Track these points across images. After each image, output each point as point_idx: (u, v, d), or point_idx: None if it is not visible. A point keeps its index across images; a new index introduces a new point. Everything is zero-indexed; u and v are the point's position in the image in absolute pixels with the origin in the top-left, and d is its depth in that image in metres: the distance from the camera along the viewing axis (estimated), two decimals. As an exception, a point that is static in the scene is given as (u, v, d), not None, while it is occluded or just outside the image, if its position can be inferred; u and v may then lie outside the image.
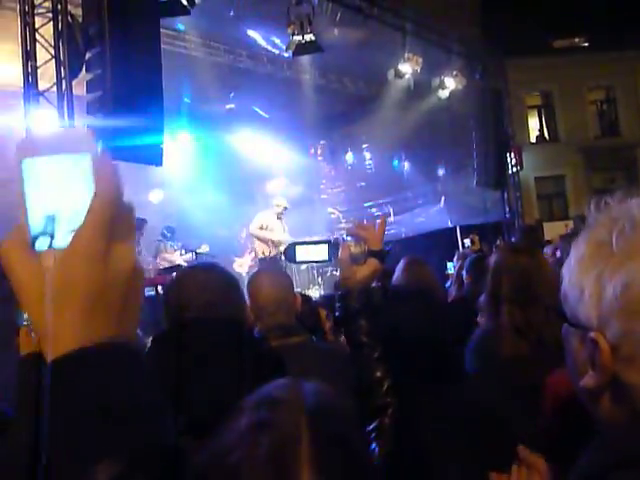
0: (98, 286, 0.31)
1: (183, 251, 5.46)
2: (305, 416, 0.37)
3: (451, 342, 1.15)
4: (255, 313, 1.26)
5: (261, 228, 5.28)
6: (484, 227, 6.31)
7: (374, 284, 0.98)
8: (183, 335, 0.87)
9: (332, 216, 7.16)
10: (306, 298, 1.97)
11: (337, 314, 0.95)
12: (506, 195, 7.43)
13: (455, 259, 3.24)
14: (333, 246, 0.95)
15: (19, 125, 3.18)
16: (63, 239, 0.30)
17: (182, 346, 0.85)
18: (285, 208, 5.34)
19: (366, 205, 8.43)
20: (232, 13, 4.59)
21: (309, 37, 4.45)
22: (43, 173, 0.29)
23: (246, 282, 1.33)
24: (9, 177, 0.30)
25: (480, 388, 1.08)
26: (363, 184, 8.59)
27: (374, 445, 0.81)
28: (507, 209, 7.45)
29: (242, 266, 5.91)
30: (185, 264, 4.83)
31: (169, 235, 5.56)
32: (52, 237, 0.30)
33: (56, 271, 0.29)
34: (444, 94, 6.72)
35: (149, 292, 3.91)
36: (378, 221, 0.99)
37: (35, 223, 0.30)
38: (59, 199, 0.30)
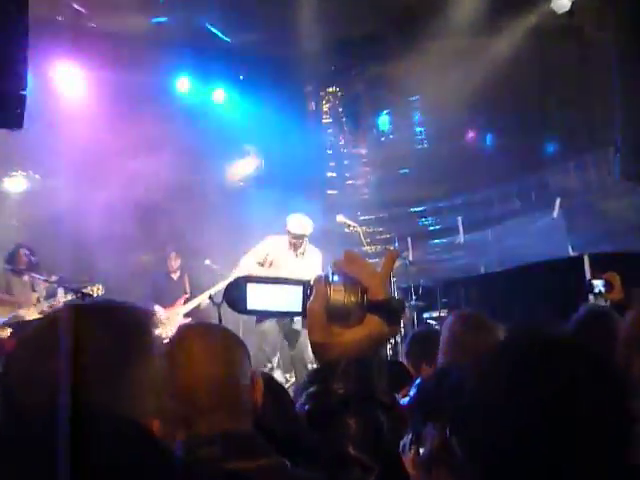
0: None
1: (60, 293, 6.15)
2: None
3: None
4: (175, 411, 1.36)
5: (262, 263, 6.14)
6: (631, 259, 6.16)
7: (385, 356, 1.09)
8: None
9: (346, 230, 7.12)
10: (272, 383, 2.06)
11: (307, 407, 1.02)
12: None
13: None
14: (312, 291, 1.04)
15: None
16: None
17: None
18: (302, 236, 6.14)
19: (413, 211, 8.64)
20: None
21: None
22: None
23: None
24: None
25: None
26: (407, 171, 8.72)
27: None
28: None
29: (167, 322, 6.61)
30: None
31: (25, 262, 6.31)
32: None
33: None
34: (562, 4, 6.72)
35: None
36: (383, 259, 1.09)
37: None
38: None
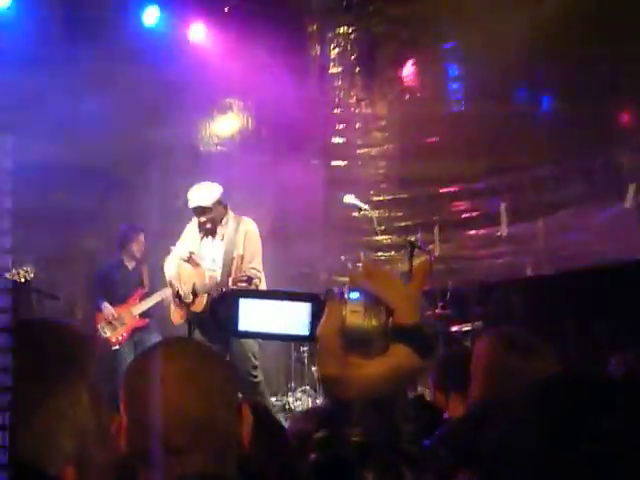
0: None
1: None
2: None
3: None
4: (138, 448, 1.41)
5: (188, 259, 6.25)
6: None
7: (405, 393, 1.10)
8: None
9: (355, 214, 7.14)
10: (264, 415, 2.15)
11: (313, 457, 1.06)
12: None
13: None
14: (322, 308, 1.06)
15: None
16: None
17: None
18: (201, 210, 6.28)
19: (442, 192, 8.69)
20: None
21: None
22: None
23: (122, 374, 1.58)
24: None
25: None
26: (436, 139, 8.73)
27: None
28: None
29: (118, 323, 7.00)
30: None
31: None
32: None
33: None
34: None
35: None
36: (418, 262, 1.10)
37: None
38: None
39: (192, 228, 6.42)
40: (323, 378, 1.05)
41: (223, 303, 1.31)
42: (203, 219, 6.19)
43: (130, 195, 7.81)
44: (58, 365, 1.26)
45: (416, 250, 6.19)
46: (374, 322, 1.03)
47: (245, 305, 1.07)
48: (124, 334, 7.09)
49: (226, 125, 8.71)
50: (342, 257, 7.47)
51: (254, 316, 1.08)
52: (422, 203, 8.64)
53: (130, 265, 7.32)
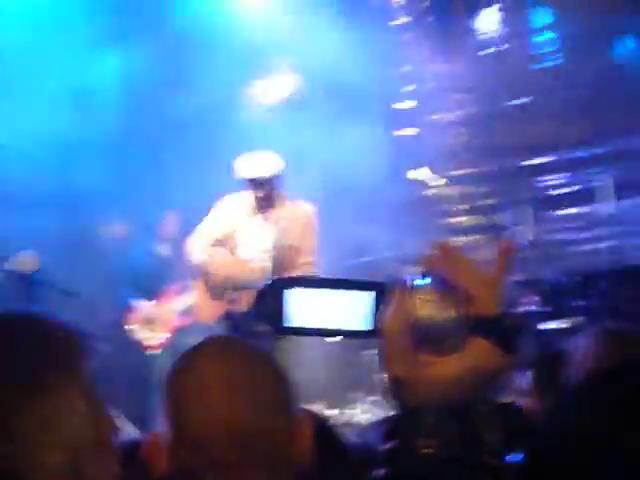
0: None
1: None
2: None
3: None
4: (184, 465, 1.45)
5: (219, 243, 6.03)
6: None
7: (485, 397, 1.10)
8: None
9: (427, 192, 7.13)
10: (326, 428, 2.19)
11: (381, 472, 1.08)
12: None
13: None
14: (387, 298, 1.07)
15: None
16: None
17: None
18: (264, 181, 5.93)
19: (534, 164, 8.62)
20: None
21: None
22: None
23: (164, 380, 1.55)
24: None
25: None
26: (526, 101, 8.73)
27: None
28: None
29: (157, 323, 6.77)
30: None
31: None
32: None
33: None
34: None
35: None
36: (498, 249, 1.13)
37: None
38: None
39: (232, 205, 6.19)
40: (390, 380, 1.06)
41: (267, 294, 1.29)
42: (260, 193, 5.98)
43: (160, 169, 7.71)
44: (39, 364, 1.27)
45: (504, 233, 6.16)
46: (449, 313, 1.03)
47: (293, 296, 1.08)
48: (165, 336, 6.99)
49: (270, 89, 8.68)
50: (412, 244, 7.36)
51: (303, 309, 1.08)
52: (510, 177, 8.56)
53: (163, 251, 7.21)
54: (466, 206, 7.48)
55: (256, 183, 5.96)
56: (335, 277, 1.13)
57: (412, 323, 1.02)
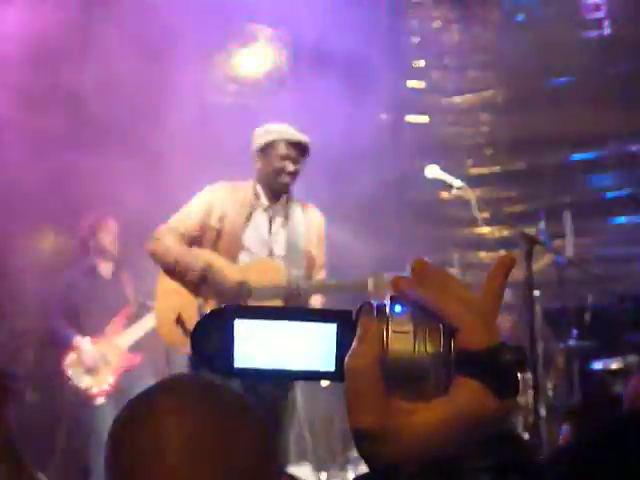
0: None
1: None
2: None
3: None
4: None
5: (194, 240, 5.81)
6: None
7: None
8: None
9: (447, 194, 7.24)
10: None
11: None
12: None
13: None
14: (354, 330, 1.06)
15: None
16: None
17: None
18: (301, 147, 5.87)
19: (576, 159, 8.67)
20: None
21: None
22: None
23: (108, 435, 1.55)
24: None
25: None
26: (566, 81, 8.77)
27: None
28: None
29: (100, 364, 6.68)
30: None
31: None
32: None
33: None
34: None
35: None
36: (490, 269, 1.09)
37: None
38: None
39: (225, 195, 5.95)
40: (357, 432, 1.02)
41: (209, 327, 1.15)
42: (292, 167, 5.79)
43: (96, 170, 7.36)
44: None
45: (537, 247, 6.14)
46: (428, 347, 1.02)
47: (243, 329, 1.06)
48: (110, 380, 6.85)
49: (250, 64, 8.70)
50: (425, 258, 7.28)
51: (256, 346, 1.06)
52: (545, 177, 8.51)
53: (105, 270, 7.12)
54: (489, 213, 7.48)
55: (299, 149, 5.82)
56: (292, 306, 1.13)
57: (384, 361, 1.00)
